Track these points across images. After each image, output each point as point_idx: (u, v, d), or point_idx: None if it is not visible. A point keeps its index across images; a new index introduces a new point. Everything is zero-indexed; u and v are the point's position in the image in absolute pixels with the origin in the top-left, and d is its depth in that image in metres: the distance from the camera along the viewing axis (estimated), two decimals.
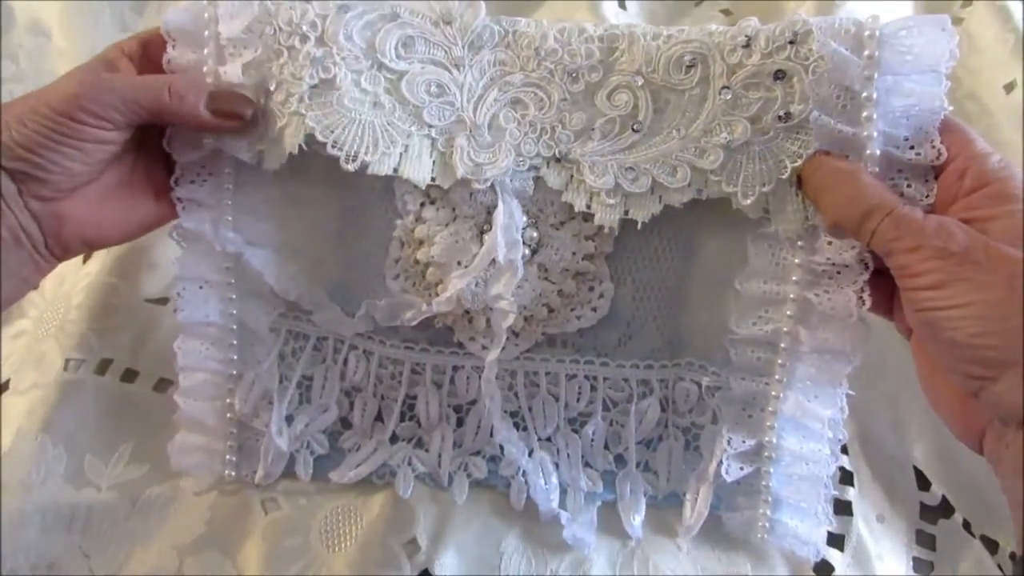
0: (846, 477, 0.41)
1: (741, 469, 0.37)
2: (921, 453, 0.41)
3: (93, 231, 0.35)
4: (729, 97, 0.33)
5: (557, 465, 0.40)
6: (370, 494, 0.41)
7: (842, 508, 0.40)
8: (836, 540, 0.39)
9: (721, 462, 0.37)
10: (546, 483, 0.39)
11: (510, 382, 0.40)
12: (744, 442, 0.37)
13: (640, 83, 0.34)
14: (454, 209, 0.37)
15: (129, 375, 0.44)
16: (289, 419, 0.41)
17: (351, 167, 0.35)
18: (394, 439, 0.41)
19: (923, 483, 0.41)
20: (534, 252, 0.37)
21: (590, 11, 0.57)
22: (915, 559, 0.40)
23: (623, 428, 0.40)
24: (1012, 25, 0.50)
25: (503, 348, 0.37)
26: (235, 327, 0.39)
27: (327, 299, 0.40)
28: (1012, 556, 0.39)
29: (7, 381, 0.44)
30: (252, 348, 0.40)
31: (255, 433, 0.41)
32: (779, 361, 0.36)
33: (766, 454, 0.37)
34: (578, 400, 0.40)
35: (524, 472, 0.39)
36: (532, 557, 0.39)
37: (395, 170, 0.35)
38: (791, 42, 0.32)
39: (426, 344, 0.40)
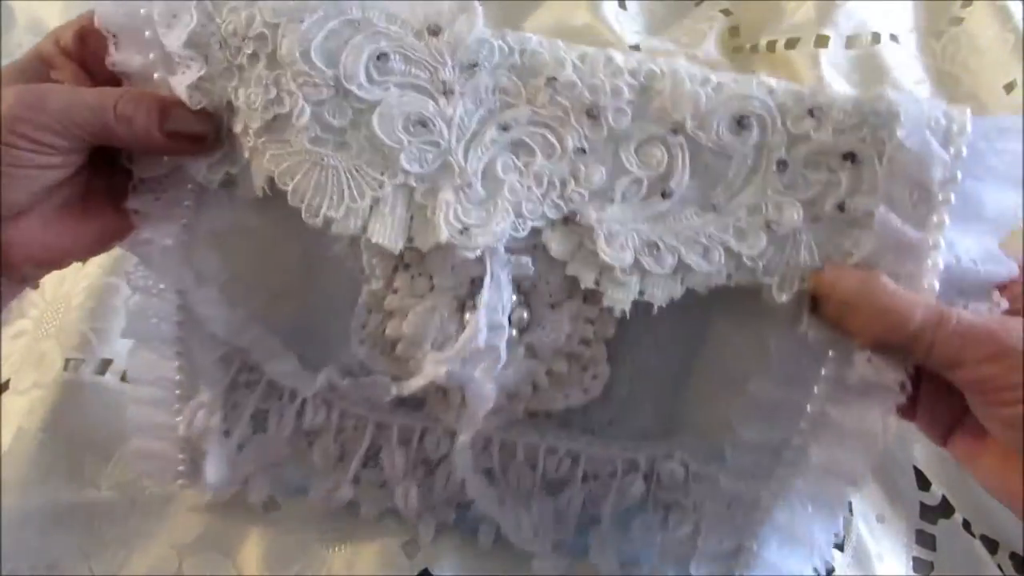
0: None
1: (711, 568, 0.34)
2: (921, 453, 0.41)
3: (43, 254, 0.30)
4: (785, 173, 0.28)
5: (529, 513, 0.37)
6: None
7: None
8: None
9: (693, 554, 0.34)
10: (519, 527, 0.37)
11: (484, 447, 0.36)
12: (722, 542, 0.34)
13: (680, 140, 0.28)
14: (431, 278, 0.31)
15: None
16: (240, 447, 0.38)
17: (313, 223, 0.29)
18: (357, 479, 0.39)
19: (923, 483, 0.41)
20: (523, 331, 0.32)
21: (590, 11, 0.57)
22: (915, 559, 0.39)
23: (603, 498, 0.37)
24: (1012, 25, 0.50)
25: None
26: (182, 351, 0.36)
27: (282, 348, 0.36)
28: (1012, 556, 0.39)
29: (7, 381, 0.44)
30: (199, 378, 0.36)
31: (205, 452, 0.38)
32: (779, 471, 0.31)
33: (743, 559, 0.33)
34: (556, 471, 0.36)
35: (496, 518, 0.37)
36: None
37: (363, 229, 0.29)
38: (868, 122, 0.27)
39: (392, 407, 0.37)
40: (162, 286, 0.34)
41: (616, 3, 0.57)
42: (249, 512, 0.41)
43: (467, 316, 0.31)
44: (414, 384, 0.32)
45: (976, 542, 0.39)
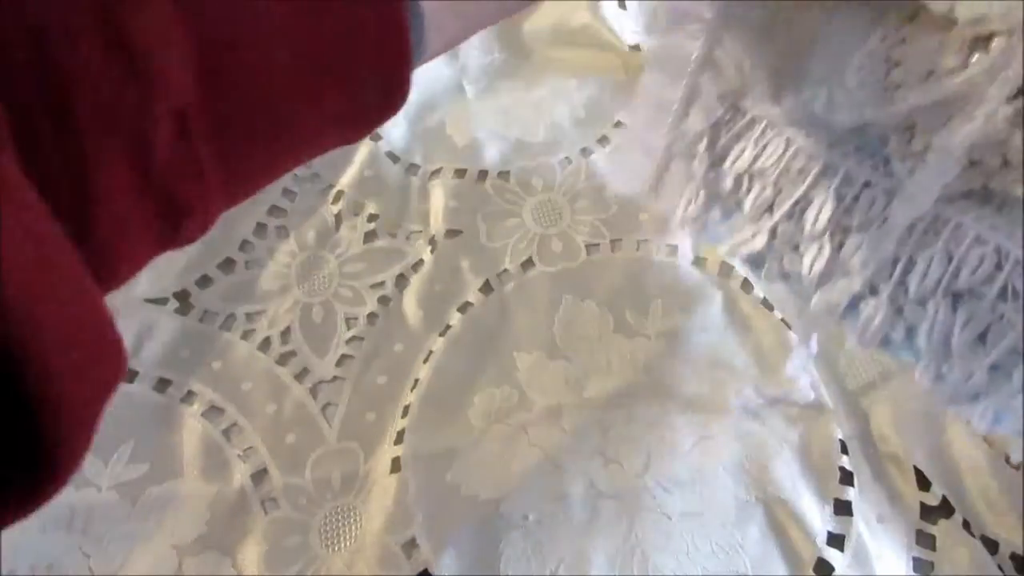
0: (846, 477, 0.41)
1: None
2: (921, 453, 0.41)
3: None
4: None
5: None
6: (369, 494, 0.41)
7: (842, 508, 0.40)
8: (836, 540, 0.39)
9: None
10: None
11: (911, 223, 0.34)
12: None
13: None
14: (954, 19, 0.32)
15: (129, 375, 0.44)
16: (696, 175, 0.40)
17: None
18: (774, 233, 0.39)
19: (923, 483, 0.41)
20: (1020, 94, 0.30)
21: (590, 10, 0.57)
22: (915, 559, 0.39)
23: (1001, 324, 0.33)
24: None
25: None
26: (689, 81, 0.39)
27: (773, 87, 0.38)
28: (1013, 556, 0.39)
29: None
30: (693, 107, 0.39)
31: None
32: None
33: None
34: (974, 269, 0.33)
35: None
36: (532, 557, 0.39)
37: None
38: None
39: (848, 148, 0.37)
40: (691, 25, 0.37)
41: (616, 3, 0.57)
42: (248, 512, 0.41)
43: (975, 57, 0.31)
44: (895, 108, 0.33)
45: (976, 542, 0.39)
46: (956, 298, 0.34)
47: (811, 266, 0.37)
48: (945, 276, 0.34)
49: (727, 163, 0.39)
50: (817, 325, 0.38)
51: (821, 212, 0.37)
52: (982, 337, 0.33)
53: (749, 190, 0.39)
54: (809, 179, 0.37)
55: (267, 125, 0.21)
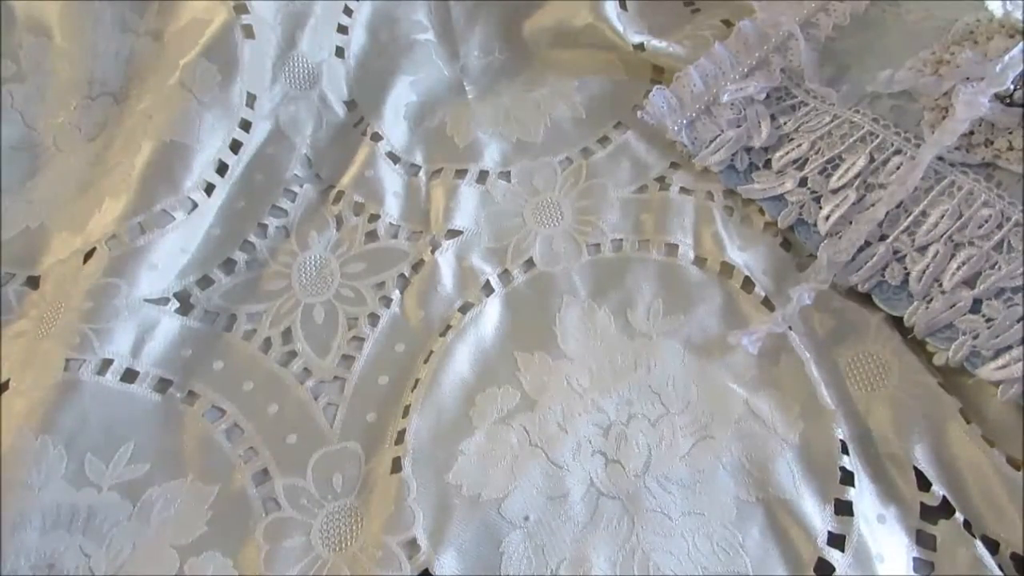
0: (846, 477, 0.41)
1: None
2: (921, 453, 0.41)
3: None
4: None
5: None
6: (370, 494, 0.41)
7: (842, 508, 0.40)
8: (836, 540, 0.39)
9: None
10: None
11: (934, 181, 0.43)
12: None
13: None
14: (990, 39, 0.43)
15: (129, 375, 0.44)
16: (721, 131, 0.48)
17: None
18: (804, 182, 0.46)
19: (923, 483, 0.41)
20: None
21: (592, 11, 0.57)
22: (915, 559, 0.39)
23: (992, 271, 0.40)
24: None
25: (954, 150, 0.41)
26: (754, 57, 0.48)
27: (835, 72, 0.47)
28: (1013, 556, 0.39)
29: (7, 381, 0.44)
30: (756, 72, 0.48)
31: (711, 118, 0.49)
32: None
33: None
34: (980, 227, 0.41)
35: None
36: (532, 557, 0.39)
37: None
38: None
39: (888, 122, 0.45)
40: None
41: (616, 4, 0.57)
42: (250, 512, 0.41)
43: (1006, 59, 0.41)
44: (937, 82, 0.42)
45: (977, 542, 0.39)
46: (957, 246, 0.42)
47: (828, 216, 0.44)
48: (951, 229, 0.42)
49: (770, 124, 0.47)
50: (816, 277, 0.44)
51: (851, 168, 0.44)
52: (969, 281, 0.41)
53: (779, 148, 0.46)
54: (849, 142, 0.45)
55: None
